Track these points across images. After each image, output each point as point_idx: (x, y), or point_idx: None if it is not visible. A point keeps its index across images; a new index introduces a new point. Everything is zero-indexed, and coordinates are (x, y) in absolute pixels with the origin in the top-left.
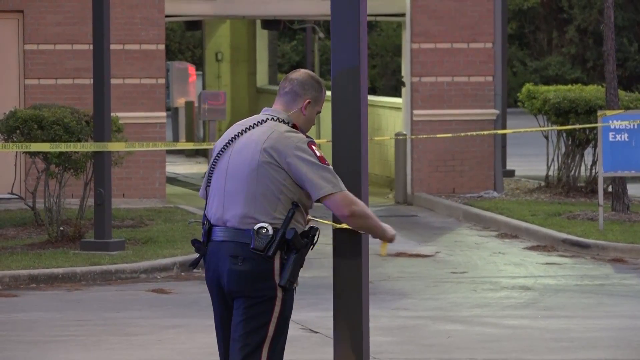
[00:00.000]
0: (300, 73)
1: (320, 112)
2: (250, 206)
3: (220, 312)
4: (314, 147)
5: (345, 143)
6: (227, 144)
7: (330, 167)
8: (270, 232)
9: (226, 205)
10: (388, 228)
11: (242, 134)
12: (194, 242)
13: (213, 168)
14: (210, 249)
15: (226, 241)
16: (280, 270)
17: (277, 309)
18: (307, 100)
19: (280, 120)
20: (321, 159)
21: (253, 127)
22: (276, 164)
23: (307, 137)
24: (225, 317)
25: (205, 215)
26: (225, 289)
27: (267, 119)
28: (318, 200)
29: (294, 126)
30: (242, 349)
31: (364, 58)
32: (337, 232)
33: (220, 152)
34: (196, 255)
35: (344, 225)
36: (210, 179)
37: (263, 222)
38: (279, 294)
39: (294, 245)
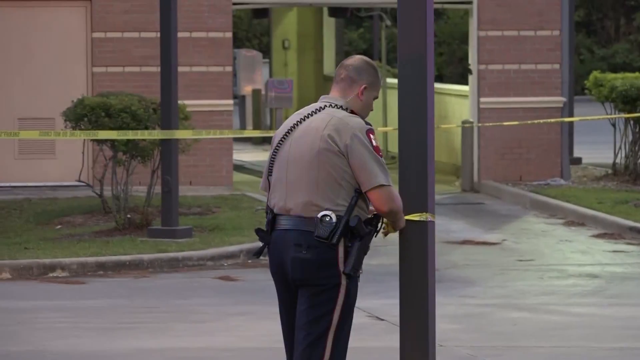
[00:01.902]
0: (355, 59)
1: (377, 97)
2: (313, 193)
3: (285, 300)
4: (371, 136)
5: (411, 131)
6: (287, 134)
7: (383, 159)
8: (334, 219)
9: (289, 193)
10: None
11: (300, 122)
12: (258, 231)
13: (274, 158)
14: (274, 237)
15: (290, 229)
16: (345, 257)
17: (341, 296)
18: (363, 86)
19: (338, 106)
20: (376, 149)
21: (311, 115)
22: (337, 150)
23: (367, 123)
24: (290, 305)
25: (267, 205)
26: (289, 277)
27: (325, 106)
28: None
29: (351, 112)
30: (306, 337)
31: (430, 46)
32: None
33: (280, 142)
34: (260, 244)
35: (411, 217)
36: (271, 170)
37: (327, 209)
38: (343, 281)
39: (358, 232)
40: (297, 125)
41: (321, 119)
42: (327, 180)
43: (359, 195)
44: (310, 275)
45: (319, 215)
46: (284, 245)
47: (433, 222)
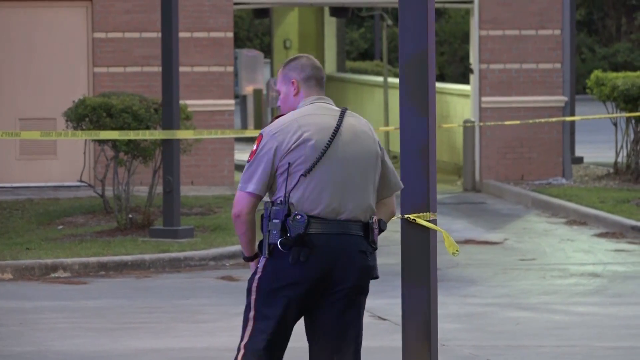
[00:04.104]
0: (313, 59)
1: None
2: (371, 198)
3: (299, 307)
4: None
5: (413, 130)
6: (332, 136)
7: None
8: (376, 225)
9: (347, 196)
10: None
11: (340, 124)
12: (297, 237)
13: (319, 158)
14: (322, 242)
15: (346, 234)
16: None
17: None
18: None
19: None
20: None
21: (344, 117)
22: (381, 155)
23: None
24: (300, 313)
25: (293, 204)
26: (349, 285)
27: (342, 109)
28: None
29: None
30: (356, 351)
31: (431, 45)
32: (404, 220)
33: (327, 143)
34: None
35: (412, 216)
36: (311, 169)
37: (374, 214)
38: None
39: (380, 233)
40: (339, 127)
41: (363, 123)
42: (375, 185)
43: None
44: (367, 282)
45: (372, 220)
46: (341, 251)
47: (435, 221)
